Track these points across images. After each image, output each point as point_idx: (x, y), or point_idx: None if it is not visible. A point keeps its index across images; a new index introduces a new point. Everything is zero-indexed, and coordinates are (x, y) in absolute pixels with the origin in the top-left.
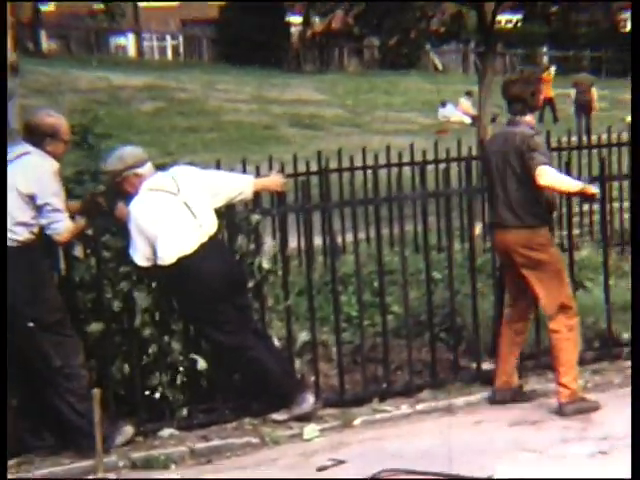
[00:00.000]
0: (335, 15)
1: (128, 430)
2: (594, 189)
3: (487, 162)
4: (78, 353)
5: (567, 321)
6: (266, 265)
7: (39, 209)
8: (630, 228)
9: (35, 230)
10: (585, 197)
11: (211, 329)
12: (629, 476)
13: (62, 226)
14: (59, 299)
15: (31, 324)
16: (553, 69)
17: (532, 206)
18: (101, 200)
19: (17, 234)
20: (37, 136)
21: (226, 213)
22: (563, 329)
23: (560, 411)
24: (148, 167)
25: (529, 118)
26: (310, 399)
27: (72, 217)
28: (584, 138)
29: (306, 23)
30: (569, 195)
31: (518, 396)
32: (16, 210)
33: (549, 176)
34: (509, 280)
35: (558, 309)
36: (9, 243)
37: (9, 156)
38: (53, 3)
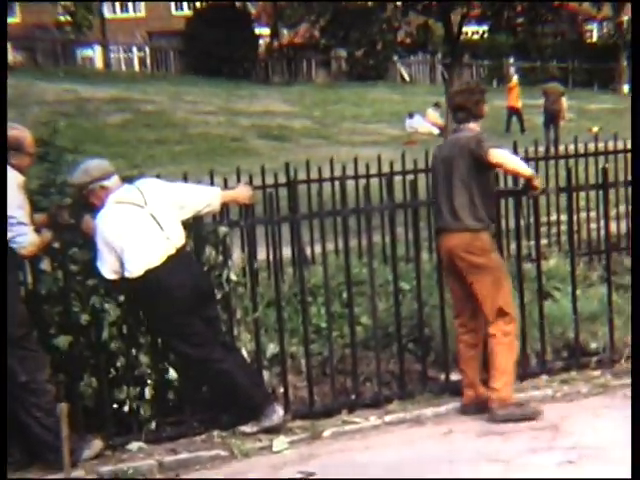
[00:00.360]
0: (302, 27)
1: (97, 444)
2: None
3: (434, 169)
4: (44, 368)
5: (504, 327)
6: (234, 277)
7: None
8: (631, 234)
9: None
10: (530, 187)
11: (178, 342)
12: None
13: (26, 239)
14: (24, 314)
15: None
16: (515, 78)
17: (475, 210)
18: (66, 213)
19: None
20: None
21: (193, 225)
22: (499, 334)
23: (489, 416)
24: (114, 180)
25: (473, 125)
26: (279, 411)
27: (38, 230)
28: (552, 148)
29: (274, 35)
30: (518, 176)
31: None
32: None
33: (501, 154)
34: (453, 290)
35: (496, 314)
36: None
37: None
38: (18, 15)
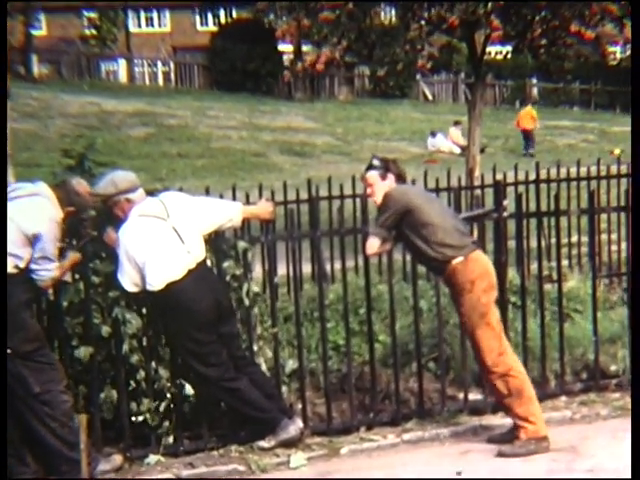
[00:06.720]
0: (322, 53)
1: (117, 459)
2: None
3: (422, 204)
4: (59, 380)
5: None
6: (254, 292)
7: (34, 251)
8: (630, 251)
9: (21, 265)
10: None
11: (193, 359)
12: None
13: (48, 275)
14: (36, 329)
15: (9, 351)
16: (529, 106)
17: None
18: (89, 225)
19: None
20: (66, 198)
21: (214, 240)
22: None
23: None
24: (140, 193)
25: None
26: (297, 423)
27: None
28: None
29: (297, 55)
30: None
31: None
32: (9, 242)
33: None
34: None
35: None
36: None
37: (19, 192)
38: (45, 28)
